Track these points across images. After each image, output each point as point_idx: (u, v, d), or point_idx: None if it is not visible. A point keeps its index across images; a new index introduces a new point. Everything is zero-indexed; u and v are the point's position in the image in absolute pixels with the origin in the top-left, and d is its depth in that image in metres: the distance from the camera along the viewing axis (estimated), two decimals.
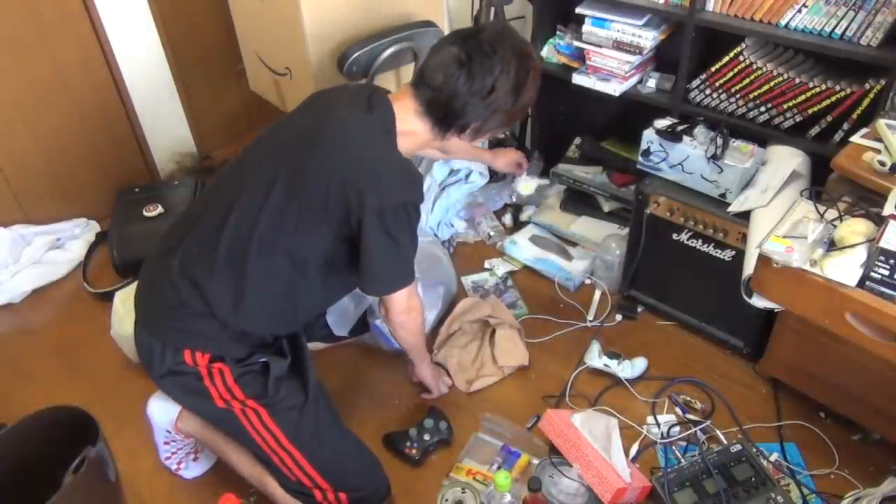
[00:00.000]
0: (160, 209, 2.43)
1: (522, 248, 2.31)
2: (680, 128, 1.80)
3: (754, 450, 1.58)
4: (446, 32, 2.28)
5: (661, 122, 1.84)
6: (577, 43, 2.10)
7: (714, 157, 1.73)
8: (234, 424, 1.46)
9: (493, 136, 1.55)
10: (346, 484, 1.49)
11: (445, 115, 1.39)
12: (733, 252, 1.80)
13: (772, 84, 1.80)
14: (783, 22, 1.72)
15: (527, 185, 2.39)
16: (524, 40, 1.46)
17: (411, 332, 1.62)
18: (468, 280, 2.26)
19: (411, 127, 1.41)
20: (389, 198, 1.33)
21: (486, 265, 2.31)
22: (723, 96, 1.91)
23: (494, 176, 2.52)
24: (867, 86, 1.66)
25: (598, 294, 2.17)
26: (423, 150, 1.58)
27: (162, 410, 1.62)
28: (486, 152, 2.15)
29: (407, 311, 1.53)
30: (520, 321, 2.04)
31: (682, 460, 1.62)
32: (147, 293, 1.49)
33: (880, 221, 1.26)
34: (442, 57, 1.36)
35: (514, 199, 2.55)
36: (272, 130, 1.50)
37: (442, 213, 2.37)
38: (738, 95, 1.89)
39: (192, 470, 1.71)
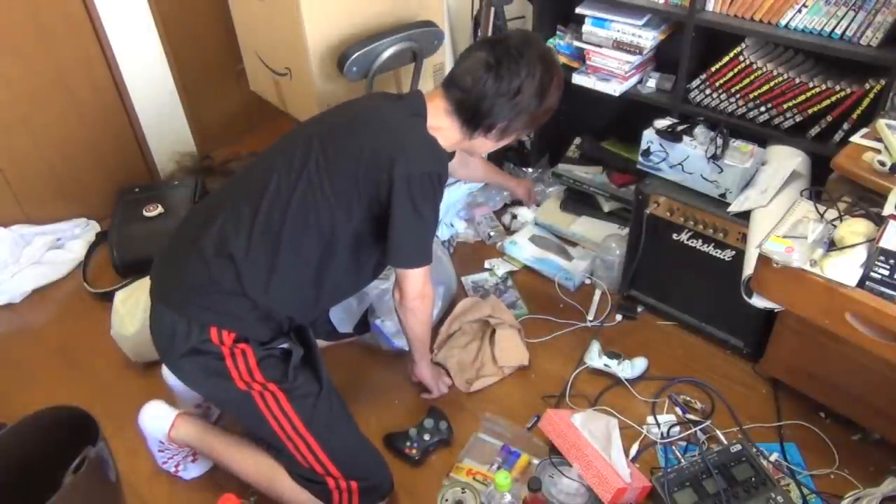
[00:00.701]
0: (160, 209, 2.43)
1: (522, 248, 2.31)
2: (680, 128, 1.80)
3: (754, 450, 1.58)
4: (446, 32, 2.28)
5: (661, 122, 1.84)
6: (577, 43, 2.10)
7: (714, 157, 1.73)
8: (251, 408, 1.46)
9: (517, 138, 1.65)
10: (356, 472, 1.51)
11: (474, 115, 1.48)
12: (733, 252, 1.80)
13: (772, 84, 1.80)
14: (783, 22, 1.72)
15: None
16: (549, 48, 1.59)
17: (421, 320, 1.64)
18: (468, 280, 2.26)
19: (441, 123, 1.50)
20: (417, 166, 1.40)
21: (486, 265, 2.31)
22: (723, 96, 1.91)
23: None
24: (867, 86, 1.66)
25: (598, 294, 2.17)
26: (452, 149, 1.62)
27: (154, 422, 1.63)
28: (510, 179, 2.31)
29: (421, 297, 1.56)
30: (520, 321, 2.04)
31: (682, 460, 1.62)
32: (172, 272, 1.48)
33: (880, 221, 1.26)
34: (471, 62, 1.47)
35: (510, 222, 2.55)
36: (309, 121, 1.58)
37: (442, 213, 2.37)
38: (738, 95, 1.89)
39: (192, 471, 1.71)
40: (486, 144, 1.59)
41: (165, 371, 1.66)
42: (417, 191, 1.41)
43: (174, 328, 1.43)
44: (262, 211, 1.42)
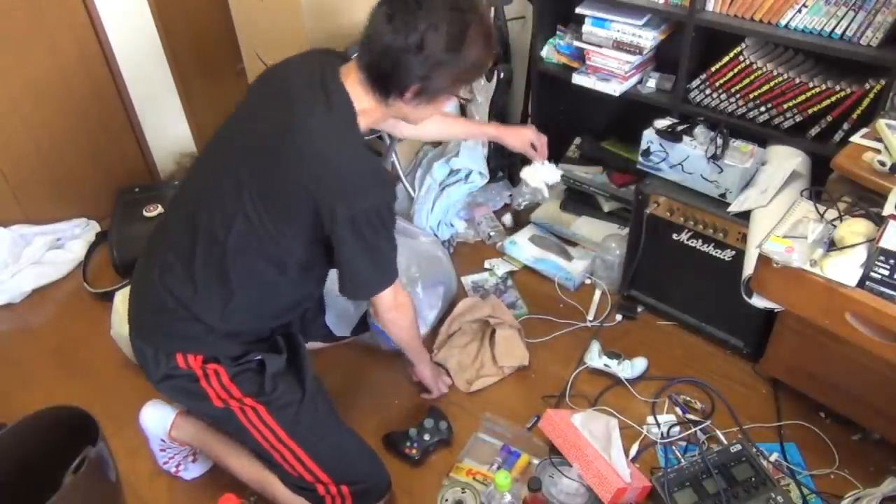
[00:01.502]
0: (160, 209, 2.43)
1: (522, 248, 2.31)
2: (680, 128, 1.80)
3: (754, 450, 1.58)
4: None
5: (661, 122, 1.84)
6: (577, 43, 2.10)
7: (714, 157, 1.73)
8: (233, 423, 1.46)
9: (447, 99, 1.41)
10: (347, 477, 1.49)
11: (379, 77, 1.30)
12: (733, 252, 1.80)
13: (772, 84, 1.80)
14: (783, 22, 1.72)
15: (536, 173, 1.94)
16: None
17: (403, 327, 1.61)
18: (468, 280, 2.26)
19: (363, 103, 1.34)
20: (360, 204, 1.29)
21: (486, 265, 2.31)
22: (723, 96, 1.91)
23: (494, 176, 2.52)
24: (867, 86, 1.66)
25: (598, 294, 2.17)
26: (386, 123, 1.50)
27: (155, 420, 1.63)
28: (490, 126, 1.96)
29: (395, 308, 1.52)
30: (520, 321, 2.04)
31: (682, 460, 1.62)
32: (135, 300, 1.49)
33: (880, 221, 1.26)
34: (371, 18, 1.30)
35: (517, 198, 2.54)
36: (232, 128, 1.45)
37: (442, 213, 2.37)
38: (738, 95, 1.89)
39: (192, 471, 1.71)
40: (416, 111, 1.38)
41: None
42: (364, 227, 1.32)
43: (145, 356, 1.44)
44: (201, 239, 1.36)
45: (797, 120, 1.82)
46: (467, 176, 2.41)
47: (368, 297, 1.47)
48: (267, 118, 1.38)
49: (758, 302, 1.46)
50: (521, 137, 1.87)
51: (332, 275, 1.87)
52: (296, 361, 1.53)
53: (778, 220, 1.39)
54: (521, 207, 2.53)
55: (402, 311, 1.55)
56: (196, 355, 1.41)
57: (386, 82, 1.30)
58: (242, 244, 1.34)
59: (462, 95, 1.35)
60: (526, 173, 1.96)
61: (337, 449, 1.52)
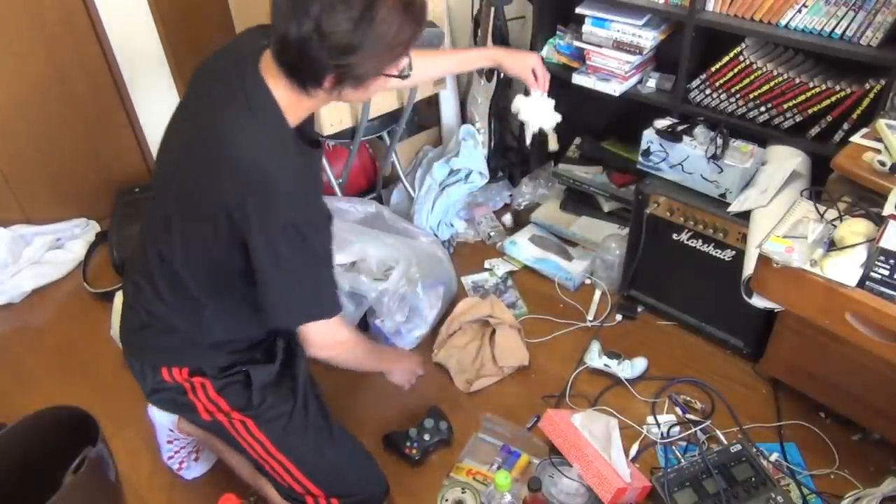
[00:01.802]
0: None
1: (522, 248, 2.31)
2: (680, 128, 1.80)
3: (754, 450, 1.58)
4: (446, 32, 2.28)
5: (661, 122, 1.84)
6: (577, 43, 2.10)
7: (714, 157, 1.73)
8: (223, 434, 1.45)
9: (379, 81, 1.20)
10: (338, 489, 1.46)
11: (290, 69, 1.15)
12: (733, 252, 1.80)
13: (772, 84, 1.80)
14: (783, 22, 1.72)
15: (531, 105, 1.73)
16: None
17: (349, 364, 1.50)
18: (468, 280, 2.26)
19: (288, 97, 1.19)
20: (273, 215, 1.16)
21: (486, 265, 2.31)
22: (723, 96, 1.91)
23: (494, 176, 2.52)
24: (867, 86, 1.66)
25: (598, 294, 2.17)
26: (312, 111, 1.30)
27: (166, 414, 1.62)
28: (491, 50, 1.82)
29: (331, 347, 1.37)
30: (520, 321, 2.04)
31: (682, 460, 1.62)
32: (121, 319, 1.46)
33: (880, 221, 1.26)
34: (272, 5, 1.14)
35: (517, 198, 2.54)
36: (165, 137, 1.34)
37: (442, 213, 2.37)
38: (738, 95, 1.89)
39: (194, 470, 1.71)
40: (348, 97, 1.22)
41: None
42: (281, 243, 1.18)
43: (134, 370, 1.43)
44: (154, 258, 1.31)
45: (797, 120, 1.82)
46: (467, 176, 2.41)
47: (290, 326, 1.32)
48: (189, 124, 1.28)
49: (758, 302, 1.46)
50: (522, 62, 1.72)
51: None
52: (291, 366, 1.51)
53: (778, 220, 1.39)
54: (521, 207, 2.53)
55: (341, 349, 1.41)
56: (181, 368, 1.37)
57: (298, 75, 1.15)
58: (192, 263, 1.28)
59: (397, 74, 1.19)
60: (519, 102, 1.76)
61: (328, 461, 1.47)
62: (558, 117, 1.78)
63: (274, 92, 1.18)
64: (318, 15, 1.06)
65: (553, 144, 1.85)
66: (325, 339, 1.35)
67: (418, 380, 1.92)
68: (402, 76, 1.20)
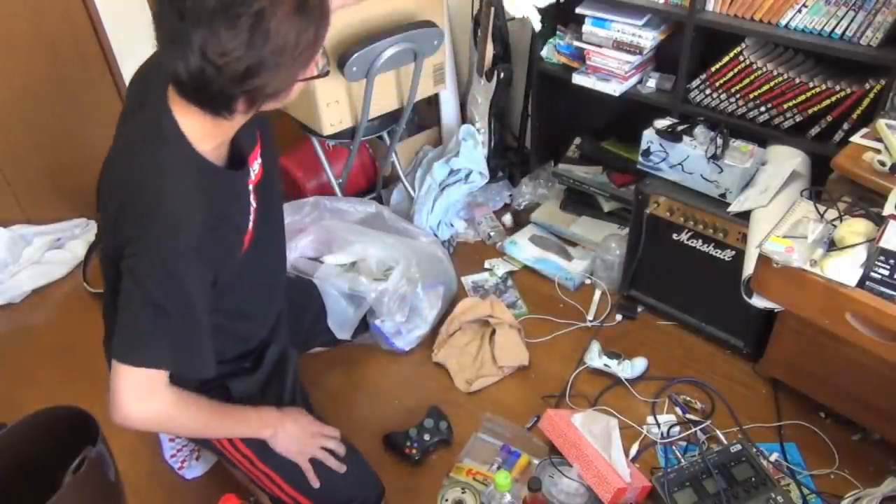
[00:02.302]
0: None
1: (522, 248, 2.31)
2: (680, 128, 1.80)
3: (754, 450, 1.58)
4: (446, 32, 2.28)
5: (661, 122, 1.84)
6: (577, 43, 2.10)
7: (714, 157, 1.73)
8: (210, 446, 1.44)
9: (295, 88, 1.11)
10: (330, 499, 1.42)
11: (196, 101, 1.05)
12: (733, 252, 1.80)
13: (772, 84, 1.80)
14: (783, 22, 1.72)
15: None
16: None
17: (188, 427, 1.31)
18: (468, 280, 2.26)
19: (202, 126, 1.10)
20: (132, 244, 1.08)
21: (486, 265, 2.31)
22: (723, 96, 1.91)
23: (494, 176, 2.52)
24: (867, 86, 1.66)
25: (598, 294, 2.17)
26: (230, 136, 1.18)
27: None
28: None
29: (142, 400, 1.15)
30: (520, 321, 2.04)
31: (682, 460, 1.62)
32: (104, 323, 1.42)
33: (880, 221, 1.26)
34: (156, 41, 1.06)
35: (517, 198, 2.54)
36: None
37: (442, 213, 2.37)
38: (738, 95, 1.89)
39: (195, 469, 1.71)
40: (269, 107, 1.12)
41: None
42: (126, 270, 1.09)
43: None
44: (113, 291, 1.19)
45: (797, 120, 1.82)
46: (467, 176, 2.41)
47: (115, 357, 1.13)
48: (114, 142, 1.25)
49: (758, 302, 1.46)
50: None
51: (327, 275, 1.88)
52: (280, 373, 1.49)
53: (778, 220, 1.39)
54: (521, 207, 2.53)
55: (157, 405, 1.18)
56: None
57: (207, 106, 1.05)
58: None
59: (316, 75, 1.10)
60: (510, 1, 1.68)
61: (317, 471, 1.41)
62: None
63: (182, 121, 1.09)
64: (203, 45, 0.95)
65: (537, 24, 1.82)
66: (133, 394, 1.15)
67: (418, 380, 1.92)
68: (321, 75, 1.12)
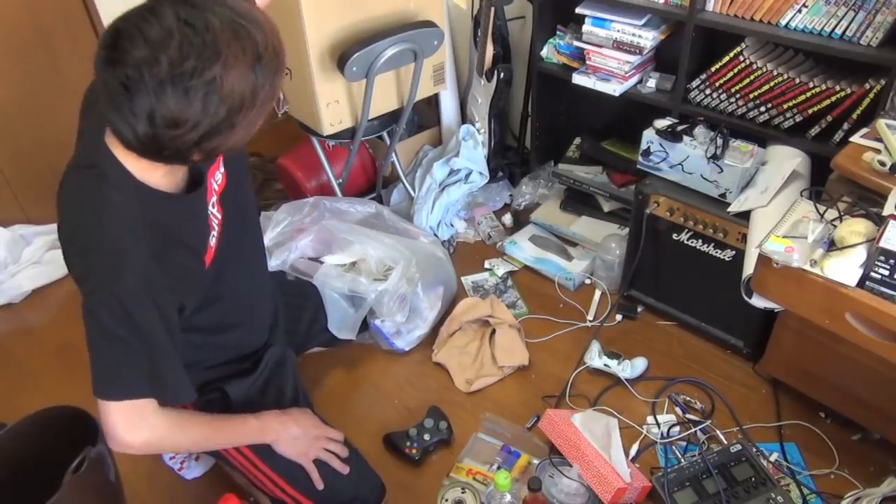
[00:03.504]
0: None
1: (522, 248, 2.31)
2: (680, 128, 1.80)
3: (754, 450, 1.58)
4: (446, 32, 2.28)
5: (661, 122, 1.84)
6: (577, 43, 2.10)
7: (714, 157, 1.73)
8: (215, 454, 1.44)
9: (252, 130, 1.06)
10: (330, 500, 1.41)
11: (152, 158, 1.01)
12: (733, 252, 1.80)
13: (772, 84, 1.80)
14: (783, 22, 1.72)
15: None
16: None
17: (183, 445, 1.32)
18: (468, 280, 2.26)
19: (151, 168, 1.07)
20: (83, 284, 1.07)
21: (486, 265, 2.31)
22: (723, 96, 1.91)
23: (494, 176, 2.52)
24: (867, 86, 1.66)
25: (598, 294, 2.17)
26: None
27: None
28: None
29: (129, 436, 1.14)
30: (520, 321, 2.04)
31: (682, 460, 1.62)
32: None
33: (880, 221, 1.26)
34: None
35: (517, 198, 2.54)
36: None
37: (442, 213, 2.37)
38: (738, 95, 1.89)
39: (194, 470, 1.71)
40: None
41: None
42: (84, 311, 1.07)
43: None
44: None
45: (797, 120, 1.82)
46: (467, 176, 2.41)
47: (98, 396, 1.12)
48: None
49: (758, 302, 1.46)
50: None
51: (327, 276, 1.88)
52: (279, 375, 1.49)
53: (778, 220, 1.39)
54: (521, 207, 2.53)
55: (150, 434, 1.17)
56: None
57: (158, 160, 1.02)
58: None
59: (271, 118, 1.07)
60: None
61: (325, 473, 1.41)
62: None
63: (117, 151, 1.05)
64: (151, 114, 0.90)
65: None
66: (122, 427, 1.14)
67: (418, 380, 1.92)
68: (279, 116, 1.08)
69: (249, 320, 1.47)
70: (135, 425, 1.15)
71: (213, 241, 1.25)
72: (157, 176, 1.09)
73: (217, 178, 1.27)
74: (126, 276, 1.05)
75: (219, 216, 1.27)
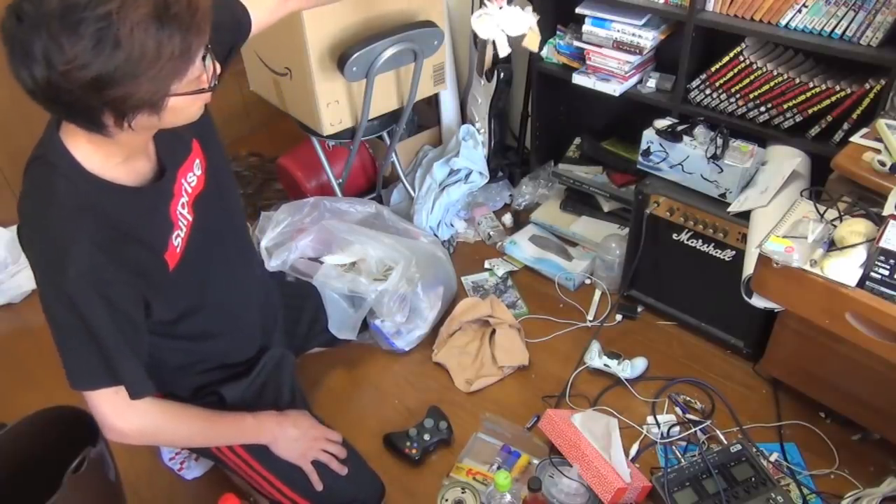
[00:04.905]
0: None
1: (522, 248, 2.31)
2: (680, 128, 1.80)
3: (754, 450, 1.58)
4: (446, 32, 2.28)
5: (661, 122, 1.84)
6: (577, 43, 2.10)
7: (714, 157, 1.73)
8: (208, 453, 1.44)
9: (188, 103, 1.04)
10: (330, 501, 1.42)
11: (62, 115, 1.05)
12: (733, 252, 1.80)
13: (772, 84, 1.80)
14: (783, 22, 1.72)
15: (498, 17, 1.51)
16: None
17: (181, 437, 1.32)
18: (468, 280, 2.26)
19: (92, 145, 1.07)
20: (40, 277, 1.09)
21: (486, 265, 2.31)
22: (723, 96, 1.91)
23: (494, 176, 2.52)
24: (867, 86, 1.66)
25: (598, 294, 2.17)
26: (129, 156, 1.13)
27: None
28: None
29: (128, 418, 1.17)
30: (520, 321, 2.04)
31: (682, 460, 1.62)
32: None
33: (880, 221, 1.26)
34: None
35: (517, 198, 2.54)
36: None
37: (442, 213, 2.37)
38: (738, 95, 1.89)
39: (194, 470, 1.71)
40: (153, 124, 1.03)
41: None
42: (51, 301, 1.08)
43: None
44: None
45: (797, 120, 1.82)
46: (467, 176, 2.41)
47: (77, 388, 1.14)
48: None
49: (758, 302, 1.46)
50: None
51: (327, 276, 1.88)
52: (276, 377, 1.49)
53: (778, 220, 1.39)
54: (521, 207, 2.53)
55: (144, 420, 1.20)
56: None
57: (69, 117, 1.02)
58: None
59: (199, 89, 1.02)
60: (480, 22, 1.54)
61: (318, 474, 1.42)
62: (532, 17, 1.57)
63: (68, 142, 1.07)
64: (46, 54, 0.89)
65: (534, 44, 1.64)
66: (110, 415, 1.16)
67: (418, 380, 1.93)
68: (209, 89, 1.04)
69: (235, 330, 1.44)
70: (122, 412, 1.16)
71: (177, 242, 1.22)
72: (111, 166, 1.09)
73: (191, 179, 1.25)
74: (68, 266, 1.03)
75: (189, 218, 1.24)
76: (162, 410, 1.22)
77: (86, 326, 1.07)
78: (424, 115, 2.71)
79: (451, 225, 2.43)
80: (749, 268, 1.50)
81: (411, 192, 2.44)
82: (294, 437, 1.40)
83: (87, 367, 1.11)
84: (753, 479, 1.48)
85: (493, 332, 1.97)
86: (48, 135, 1.09)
